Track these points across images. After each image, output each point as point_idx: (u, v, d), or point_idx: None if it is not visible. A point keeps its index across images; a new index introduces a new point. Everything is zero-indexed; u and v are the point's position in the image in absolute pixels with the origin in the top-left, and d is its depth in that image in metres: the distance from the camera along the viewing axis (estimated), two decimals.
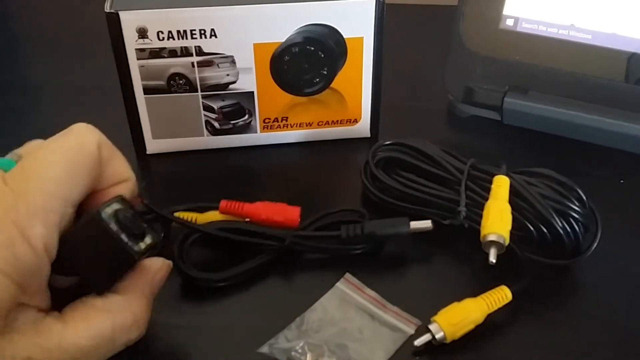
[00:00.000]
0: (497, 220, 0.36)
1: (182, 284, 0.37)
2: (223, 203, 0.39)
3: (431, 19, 0.66)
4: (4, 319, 0.27)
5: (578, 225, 0.37)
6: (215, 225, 0.38)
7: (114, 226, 0.30)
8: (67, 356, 0.28)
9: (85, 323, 0.29)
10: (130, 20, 0.41)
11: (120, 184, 0.32)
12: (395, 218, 0.39)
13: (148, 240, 0.31)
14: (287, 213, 0.39)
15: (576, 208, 0.37)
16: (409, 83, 0.56)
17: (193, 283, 0.37)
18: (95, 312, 0.30)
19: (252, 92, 0.45)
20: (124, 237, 0.30)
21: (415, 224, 0.39)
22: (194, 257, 0.38)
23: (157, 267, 0.32)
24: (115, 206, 0.30)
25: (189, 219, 0.39)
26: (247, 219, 0.39)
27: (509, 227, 0.36)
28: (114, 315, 0.30)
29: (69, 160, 0.29)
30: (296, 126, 0.47)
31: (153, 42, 0.42)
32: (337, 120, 0.48)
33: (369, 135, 0.49)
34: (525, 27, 0.48)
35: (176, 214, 0.38)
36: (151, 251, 0.32)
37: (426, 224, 0.39)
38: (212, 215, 0.39)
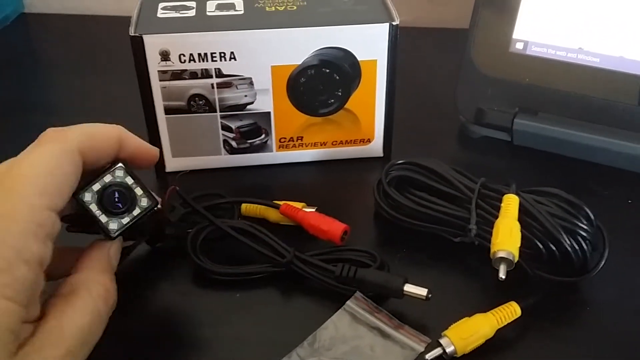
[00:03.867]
0: (507, 238, 0.37)
1: (198, 299, 0.39)
2: (284, 206, 0.43)
3: (443, 41, 0.68)
4: (18, 339, 0.27)
5: (586, 244, 0.38)
6: (229, 223, 0.40)
7: (94, 207, 0.32)
8: (75, 342, 0.29)
9: (71, 307, 0.30)
10: (153, 44, 0.42)
11: (122, 144, 0.33)
12: (394, 275, 0.38)
13: (125, 219, 0.33)
14: (329, 233, 0.41)
15: (584, 227, 0.38)
16: (421, 104, 0.58)
17: (197, 270, 0.40)
18: (71, 293, 0.30)
19: (269, 113, 0.46)
20: (102, 217, 0.33)
21: (409, 288, 0.37)
22: (206, 249, 0.40)
23: (109, 243, 0.34)
24: (98, 186, 0.33)
25: (257, 211, 0.43)
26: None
27: (518, 244, 0.37)
28: (88, 286, 0.31)
29: (49, 171, 0.29)
30: (311, 145, 0.49)
31: (175, 65, 0.43)
32: (351, 140, 0.49)
33: (381, 155, 0.50)
34: (534, 51, 0.49)
35: (245, 205, 0.43)
36: (141, 220, 0.34)
37: (421, 291, 0.37)
38: (273, 213, 0.43)
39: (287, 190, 0.48)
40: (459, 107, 0.53)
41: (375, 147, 0.50)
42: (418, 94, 0.59)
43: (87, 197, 0.32)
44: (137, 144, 0.34)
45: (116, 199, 0.33)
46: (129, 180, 0.34)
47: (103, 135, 0.32)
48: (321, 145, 0.49)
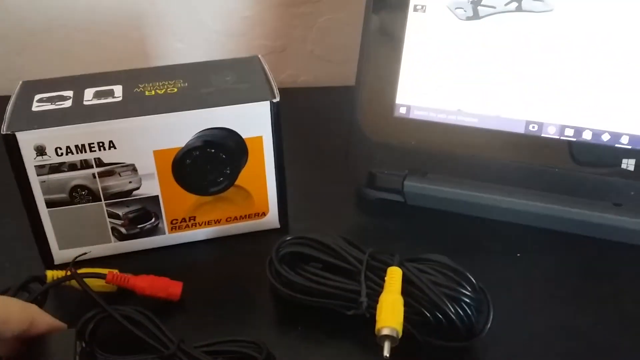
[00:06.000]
0: (390, 314, 0.37)
1: None
2: (110, 275, 0.43)
3: (345, 99, 0.69)
4: None
5: (470, 309, 0.39)
6: (121, 311, 0.40)
7: None
8: None
9: None
10: (27, 140, 0.42)
11: (34, 322, 0.35)
12: None
13: None
14: (169, 289, 0.43)
15: (467, 293, 0.39)
16: (319, 167, 0.58)
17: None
18: None
19: (157, 196, 0.46)
20: None
21: None
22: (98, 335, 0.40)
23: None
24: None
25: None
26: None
27: (401, 319, 0.37)
28: None
29: None
30: (205, 224, 0.48)
31: (52, 158, 0.42)
32: (245, 215, 0.49)
33: (278, 226, 0.50)
34: (417, 114, 0.50)
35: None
36: None
37: None
38: (98, 282, 0.42)
39: (183, 271, 0.48)
40: (351, 172, 0.53)
41: (271, 219, 0.50)
42: (316, 157, 0.59)
43: None
44: (48, 324, 0.36)
45: None
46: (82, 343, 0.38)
47: (18, 310, 0.35)
48: (215, 222, 0.49)
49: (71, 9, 0.69)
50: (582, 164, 0.47)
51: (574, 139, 0.47)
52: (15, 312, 0.35)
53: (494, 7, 0.48)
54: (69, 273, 0.42)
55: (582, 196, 0.47)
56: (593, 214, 0.47)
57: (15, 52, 0.71)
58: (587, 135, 0.47)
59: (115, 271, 0.43)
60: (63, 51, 0.71)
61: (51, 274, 0.43)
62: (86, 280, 0.42)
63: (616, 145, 0.46)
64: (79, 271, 0.43)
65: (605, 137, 0.46)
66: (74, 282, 0.42)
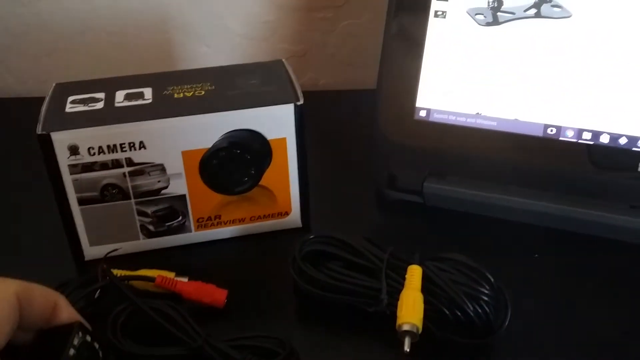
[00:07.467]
0: (410, 310, 0.38)
1: None
2: (159, 278, 0.44)
3: (364, 102, 0.70)
4: None
5: (488, 307, 0.40)
6: (150, 304, 0.41)
7: None
8: None
9: None
10: (61, 140, 0.43)
11: (57, 308, 0.35)
12: None
13: None
14: (214, 295, 0.44)
15: (485, 291, 0.40)
16: (341, 168, 0.59)
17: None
18: None
19: (184, 195, 0.47)
20: None
21: None
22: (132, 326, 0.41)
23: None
24: (72, 351, 0.34)
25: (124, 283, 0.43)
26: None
27: (421, 315, 0.38)
28: None
29: None
30: (229, 223, 0.50)
31: (84, 158, 0.44)
32: (269, 214, 0.50)
33: (300, 226, 0.52)
34: (436, 117, 0.51)
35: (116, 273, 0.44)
36: None
37: None
38: (146, 285, 0.44)
39: (208, 268, 0.49)
40: (372, 173, 0.55)
41: (294, 219, 0.51)
42: (338, 159, 0.61)
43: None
44: (70, 317, 0.36)
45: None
46: (88, 338, 0.36)
47: (42, 293, 0.35)
48: (239, 221, 0.50)
49: (100, 13, 0.71)
50: (600, 167, 0.48)
51: (592, 143, 0.48)
52: (38, 295, 0.34)
53: (513, 13, 0.49)
54: (105, 274, 0.43)
55: (600, 198, 0.48)
56: (610, 216, 0.48)
57: (45, 54, 0.73)
58: (604, 139, 0.48)
59: (172, 275, 0.45)
60: (91, 54, 0.73)
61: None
62: (135, 282, 0.44)
63: (633, 148, 0.47)
64: (131, 273, 0.44)
65: (623, 141, 0.47)
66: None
